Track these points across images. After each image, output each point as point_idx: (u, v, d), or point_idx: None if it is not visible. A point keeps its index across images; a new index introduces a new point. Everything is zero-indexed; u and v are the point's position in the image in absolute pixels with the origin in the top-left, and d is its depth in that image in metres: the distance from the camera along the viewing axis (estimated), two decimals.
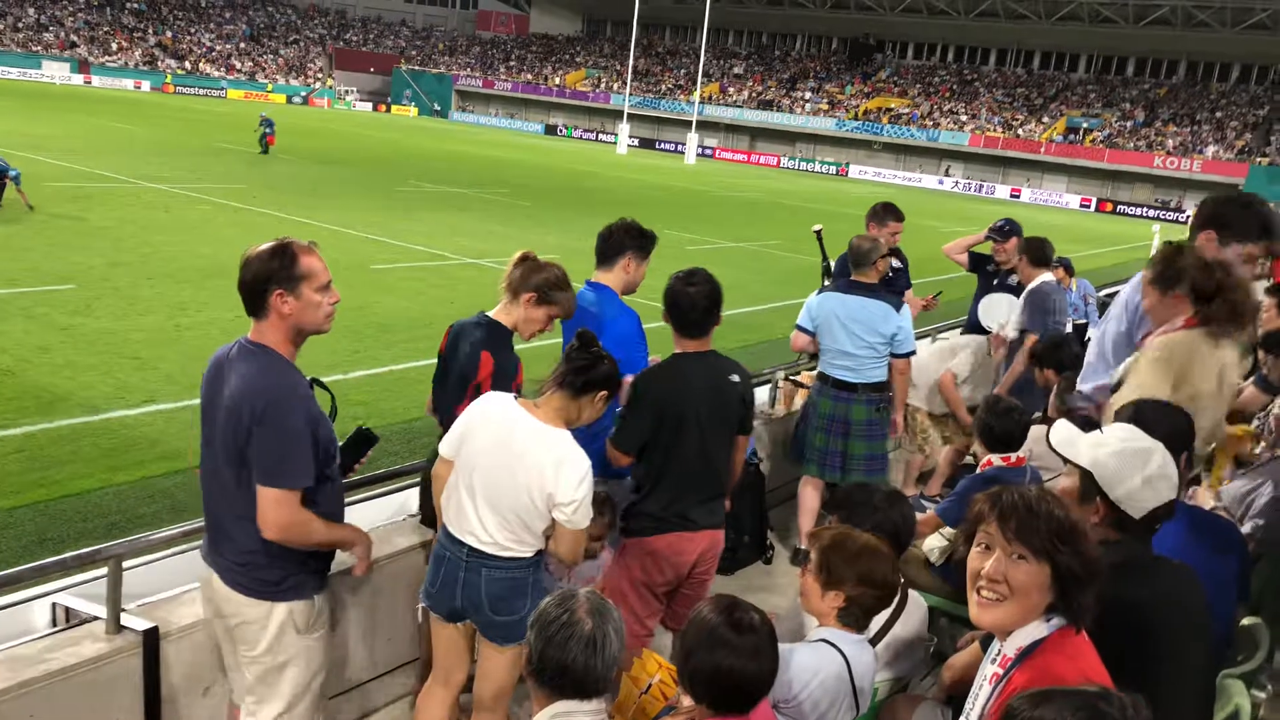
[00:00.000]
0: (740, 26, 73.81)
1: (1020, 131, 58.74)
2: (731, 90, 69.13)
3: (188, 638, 3.18)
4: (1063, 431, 2.54)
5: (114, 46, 66.16)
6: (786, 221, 27.71)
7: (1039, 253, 6.37)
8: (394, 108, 74.10)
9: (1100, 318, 4.86)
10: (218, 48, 71.88)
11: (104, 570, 3.11)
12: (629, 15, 57.39)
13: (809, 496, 5.72)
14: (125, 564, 3.14)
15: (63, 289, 11.82)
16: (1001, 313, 6.47)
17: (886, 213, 6.50)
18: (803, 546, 4.75)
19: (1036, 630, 2.04)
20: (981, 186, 56.98)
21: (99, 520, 6.38)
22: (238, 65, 71.16)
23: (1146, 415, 2.79)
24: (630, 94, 59.28)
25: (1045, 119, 59.46)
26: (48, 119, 35.49)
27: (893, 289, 5.91)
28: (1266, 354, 4.75)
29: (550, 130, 70.22)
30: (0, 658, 2.88)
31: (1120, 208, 52.79)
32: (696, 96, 58.04)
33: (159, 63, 67.01)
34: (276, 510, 2.79)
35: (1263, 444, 4.24)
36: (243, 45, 73.57)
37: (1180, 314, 3.53)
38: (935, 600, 3.88)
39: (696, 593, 3.98)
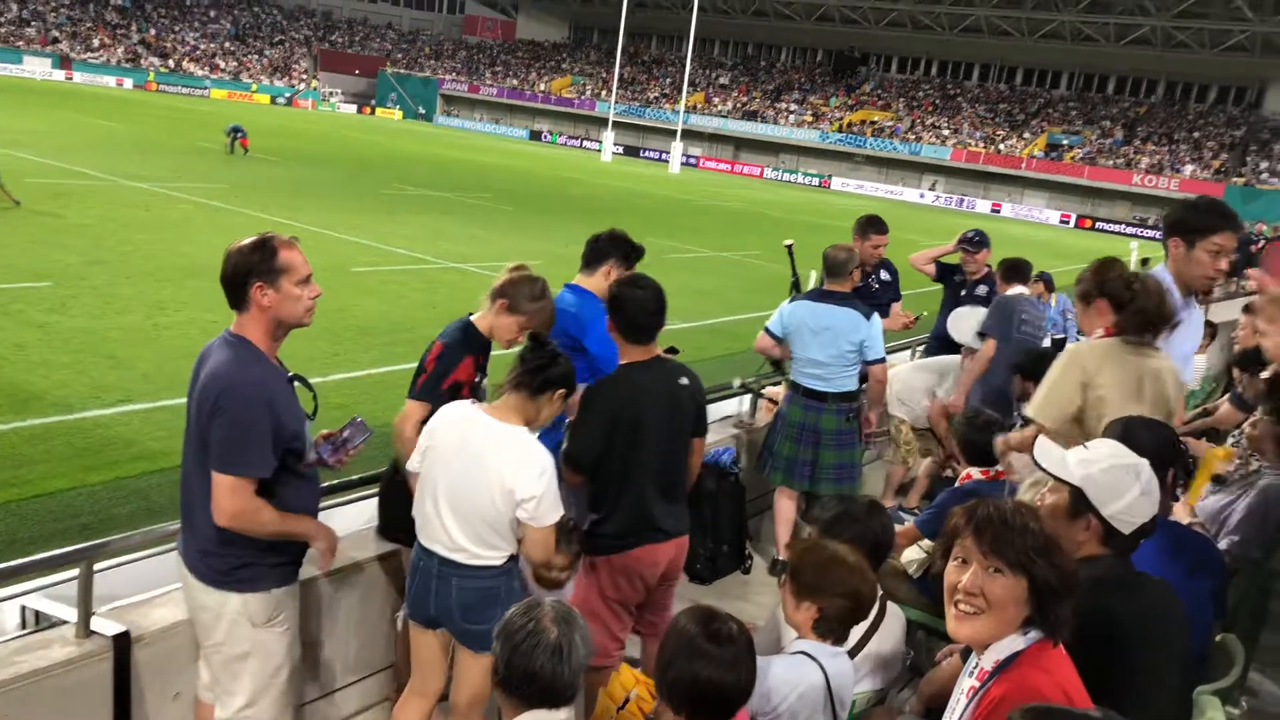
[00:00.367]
0: (726, 37, 74.07)
1: (1002, 147, 59.20)
2: (716, 100, 69.34)
3: (159, 642, 3.14)
4: (1048, 448, 2.54)
5: (96, 43, 65.68)
6: (769, 232, 27.77)
7: (1014, 273, 6.46)
8: (379, 110, 73.89)
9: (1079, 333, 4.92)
10: (202, 46, 71.48)
11: (75, 572, 3.07)
12: (615, 23, 57.48)
13: (784, 506, 5.73)
14: (97, 566, 3.10)
15: (39, 286, 11.69)
16: (969, 326, 6.52)
17: (869, 226, 6.54)
18: (780, 557, 4.75)
19: (1013, 643, 2.05)
20: (963, 201, 57.36)
21: (71, 521, 6.30)
22: (222, 65, 70.79)
23: (1134, 431, 2.80)
24: (616, 102, 59.36)
25: (1026, 135, 59.94)
26: (27, 114, 35.17)
27: (878, 301, 5.94)
28: (1241, 372, 4.80)
29: (535, 136, 70.20)
30: None
31: (1099, 224, 53.25)
32: (681, 105, 58.18)
33: (142, 60, 66.58)
34: (229, 497, 2.83)
35: (1237, 461, 4.28)
36: (227, 45, 73.19)
37: (1103, 324, 3.76)
38: (914, 613, 3.89)
39: (665, 598, 3.97)
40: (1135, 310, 3.60)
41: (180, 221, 17.46)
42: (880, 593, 3.07)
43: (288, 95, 70.53)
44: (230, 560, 2.94)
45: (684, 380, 3.80)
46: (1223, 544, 3.47)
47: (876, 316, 5.48)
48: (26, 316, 10.46)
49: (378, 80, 75.46)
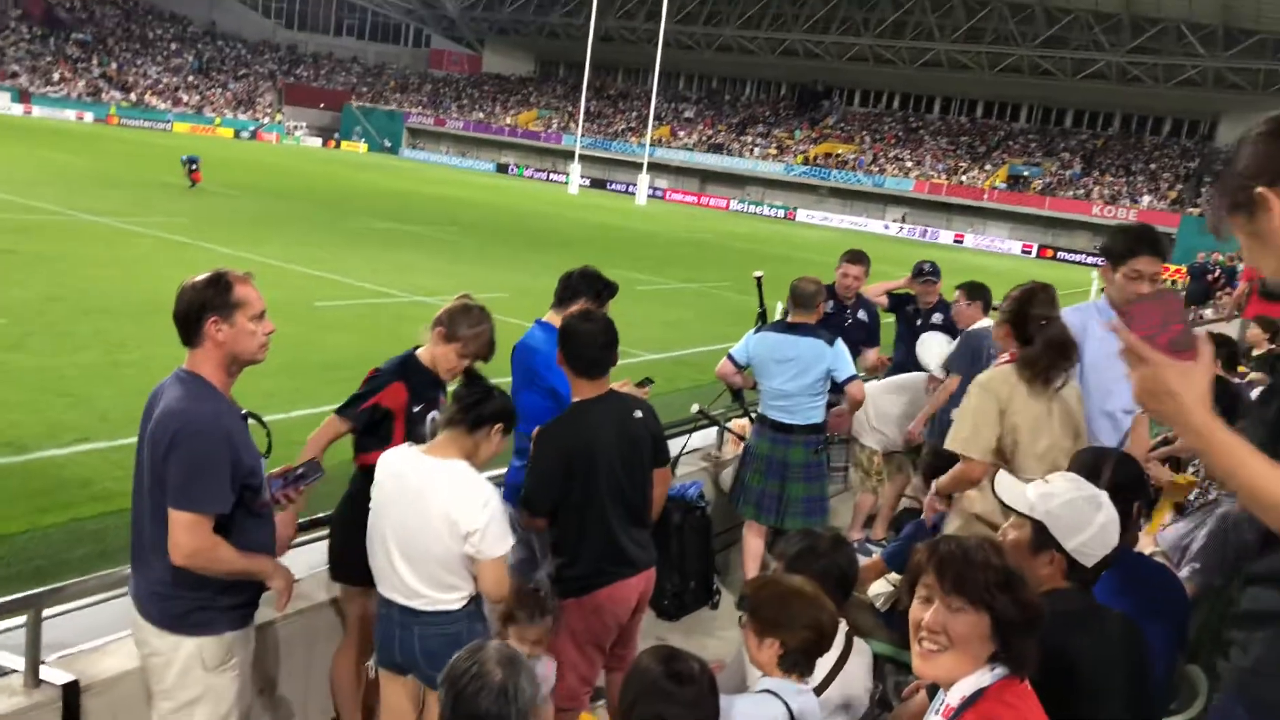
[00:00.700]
0: (691, 71, 74.79)
1: (964, 178, 60.08)
2: (682, 133, 69.91)
3: (109, 691, 3.05)
4: (1007, 483, 2.55)
5: (57, 76, 65.11)
6: (735, 264, 27.92)
7: (977, 293, 6.51)
8: (344, 144, 73.75)
9: None
10: (165, 80, 71.07)
11: (22, 620, 2.98)
12: (581, 57, 57.87)
13: (752, 542, 5.71)
14: (45, 613, 3.02)
15: None
16: (936, 355, 6.56)
17: (850, 256, 6.65)
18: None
19: (979, 679, 2.04)
20: (926, 232, 58.03)
21: (24, 565, 6.15)
22: (185, 98, 70.40)
23: (1102, 465, 2.82)
24: (582, 135, 59.66)
25: (988, 166, 60.89)
26: None
27: (850, 339, 5.95)
28: None
29: (502, 169, 70.32)
30: None
31: (1060, 254, 54.04)
32: (648, 139, 58.58)
33: (104, 94, 66.07)
34: (186, 534, 2.78)
35: (1197, 490, 4.32)
36: (190, 78, 72.85)
37: (1010, 349, 3.92)
38: (881, 647, 3.86)
39: (632, 630, 3.93)
40: (1033, 358, 3.72)
41: (141, 256, 17.27)
42: (847, 628, 3.05)
43: (252, 129, 70.24)
44: (184, 603, 2.89)
45: (638, 413, 3.76)
46: (1184, 572, 3.49)
47: (840, 342, 5.49)
48: None
49: (343, 114, 75.39)
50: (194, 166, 29.62)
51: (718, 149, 67.22)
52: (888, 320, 7.60)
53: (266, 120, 72.76)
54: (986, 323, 6.48)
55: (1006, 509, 2.50)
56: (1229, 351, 5.36)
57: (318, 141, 73.08)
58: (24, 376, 9.81)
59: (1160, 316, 1.72)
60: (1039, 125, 64.91)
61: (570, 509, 3.63)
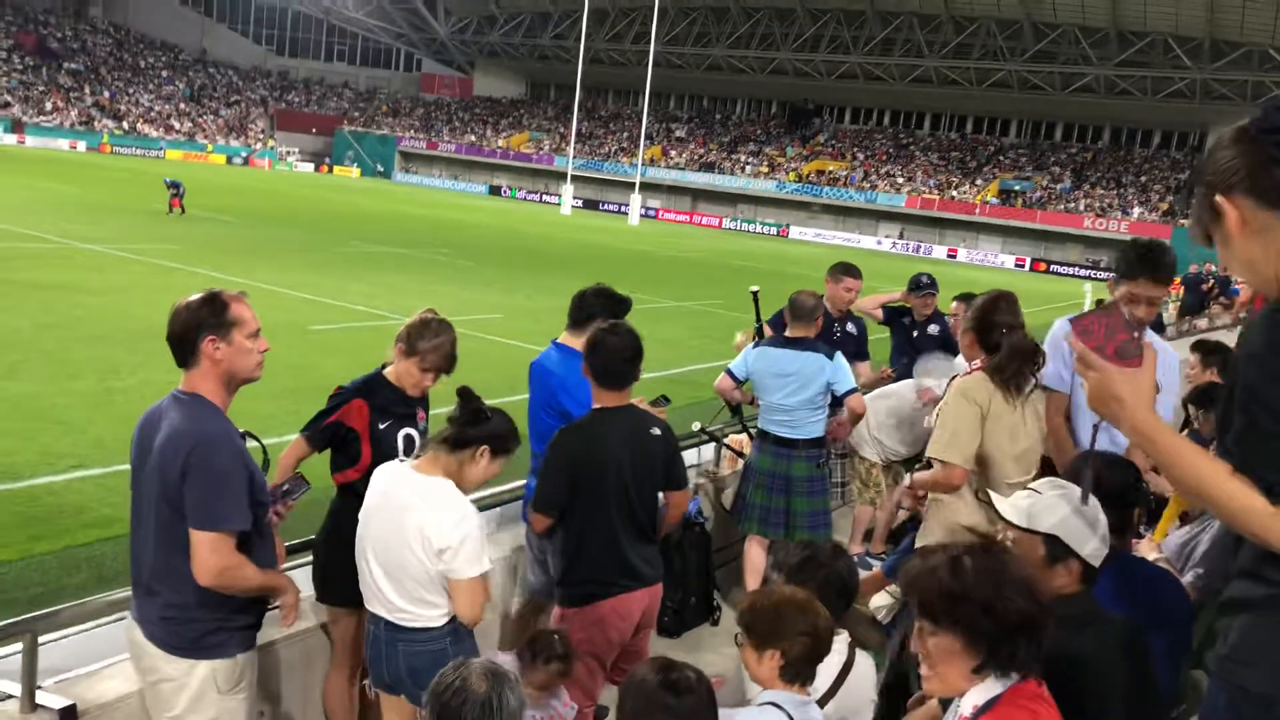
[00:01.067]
0: (681, 91, 75.17)
1: (955, 193, 60.35)
2: (674, 153, 70.20)
3: (106, 716, 3.02)
4: (1006, 504, 2.54)
5: (49, 106, 65.27)
6: (729, 281, 27.97)
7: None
8: (336, 168, 73.95)
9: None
10: (156, 108, 71.28)
11: (18, 646, 2.96)
12: (572, 79, 58.18)
13: (755, 556, 5.68)
14: (42, 639, 3.00)
15: None
16: (938, 374, 6.56)
17: (843, 270, 6.71)
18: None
19: (990, 688, 2.01)
20: (919, 247, 58.24)
21: (19, 592, 6.11)
22: (177, 125, 70.58)
23: (1099, 470, 2.80)
24: (574, 156, 59.88)
25: (979, 181, 61.20)
26: None
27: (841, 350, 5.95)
28: (1197, 409, 4.85)
29: (494, 191, 70.53)
30: None
31: (1053, 267, 54.28)
32: (639, 159, 58.81)
33: (96, 123, 66.23)
34: (212, 554, 2.75)
35: None
36: (182, 105, 73.07)
37: (977, 358, 4.01)
38: (884, 659, 3.84)
39: (641, 646, 3.91)
40: (1001, 365, 3.83)
41: (134, 283, 17.27)
42: (850, 639, 3.04)
43: (244, 155, 70.40)
44: (200, 626, 2.86)
45: (655, 430, 3.79)
46: (1188, 578, 3.47)
47: (840, 355, 5.49)
48: None
49: (335, 139, 75.65)
50: (176, 192, 29.35)
51: (709, 168, 67.50)
52: (882, 334, 7.63)
53: (259, 146, 72.95)
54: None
55: (1010, 526, 2.48)
56: (1222, 359, 5.37)
57: (310, 167, 73.27)
58: (18, 404, 9.78)
59: (1105, 329, 1.95)
60: (1029, 139, 65.32)
61: (575, 514, 3.65)
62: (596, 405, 3.75)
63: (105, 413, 9.73)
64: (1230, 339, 13.92)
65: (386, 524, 3.10)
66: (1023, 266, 55.01)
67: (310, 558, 3.86)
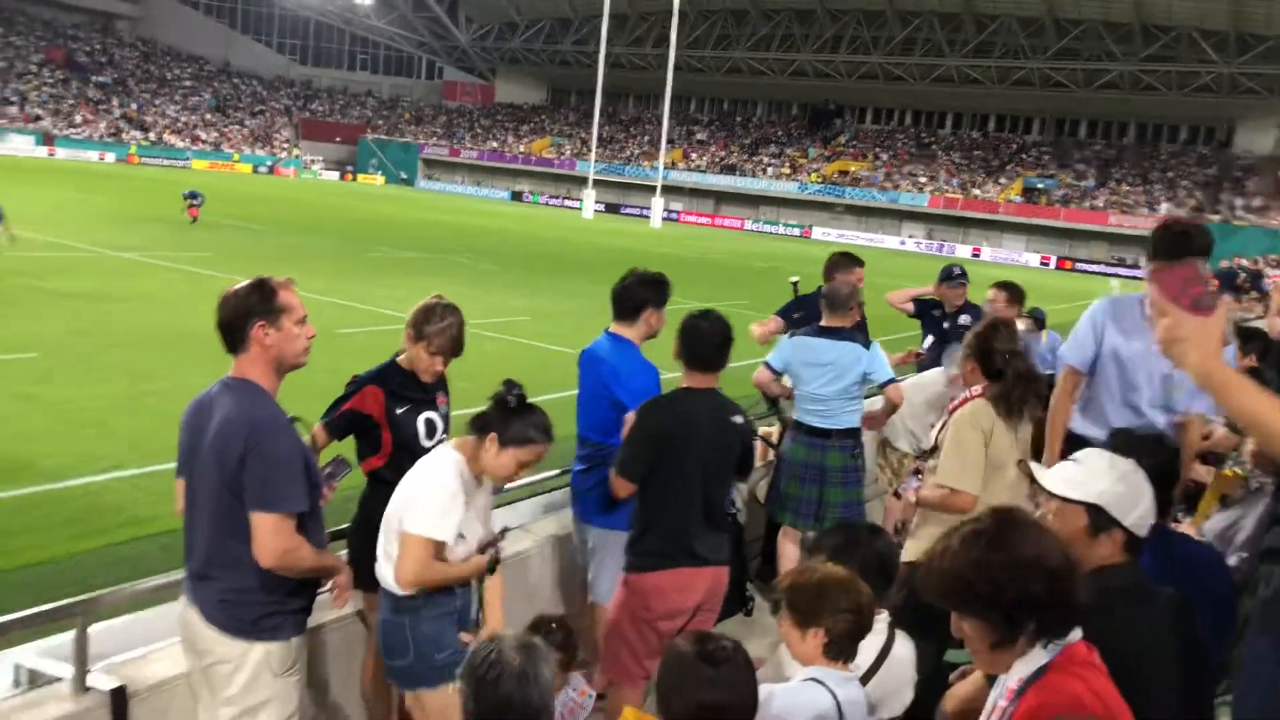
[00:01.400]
0: (702, 94, 75.17)
1: (978, 192, 59.98)
2: (695, 155, 70.18)
3: (156, 697, 3.07)
4: (1046, 474, 2.53)
5: (79, 119, 66.07)
6: (752, 282, 27.95)
7: (1016, 295, 6.61)
8: (360, 176, 74.41)
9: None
10: (183, 118, 71.99)
11: (70, 635, 3.01)
12: (593, 84, 58.31)
13: (789, 548, 5.66)
14: (91, 627, 3.05)
15: (22, 357, 11.62)
16: None
17: (849, 260, 6.53)
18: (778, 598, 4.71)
19: (1035, 659, 2.01)
20: (943, 246, 57.92)
21: (61, 591, 6.18)
22: (203, 135, 71.26)
23: (1133, 451, 2.80)
24: (595, 160, 60.02)
25: (1002, 180, 60.81)
26: (9, 190, 35.22)
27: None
28: None
29: (517, 197, 70.76)
30: None
31: (1079, 265, 53.81)
32: (660, 162, 58.85)
33: (124, 134, 66.98)
34: (273, 536, 2.79)
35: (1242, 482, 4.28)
36: (208, 116, 73.77)
37: (978, 383, 4.09)
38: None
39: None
40: (1005, 393, 3.96)
41: (163, 289, 17.46)
42: (890, 619, 3.04)
43: (269, 164, 71.00)
44: (258, 608, 2.90)
45: (737, 418, 3.90)
46: (1232, 560, 3.45)
47: (877, 345, 5.48)
48: (10, 388, 10.38)
49: (359, 147, 76.11)
50: (194, 202, 29.46)
51: (731, 170, 67.44)
52: (913, 328, 7.58)
53: (284, 155, 73.54)
54: (1021, 324, 6.51)
55: (1052, 497, 2.47)
56: (1262, 345, 5.37)
57: (334, 175, 73.78)
58: (54, 408, 9.92)
59: (1181, 281, 2.04)
60: (1052, 137, 64.85)
61: (653, 484, 3.76)
62: (685, 384, 3.87)
63: (139, 415, 9.85)
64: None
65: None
66: (1047, 265, 54.60)
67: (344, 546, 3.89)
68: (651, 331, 4.38)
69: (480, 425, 3.16)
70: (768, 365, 5.59)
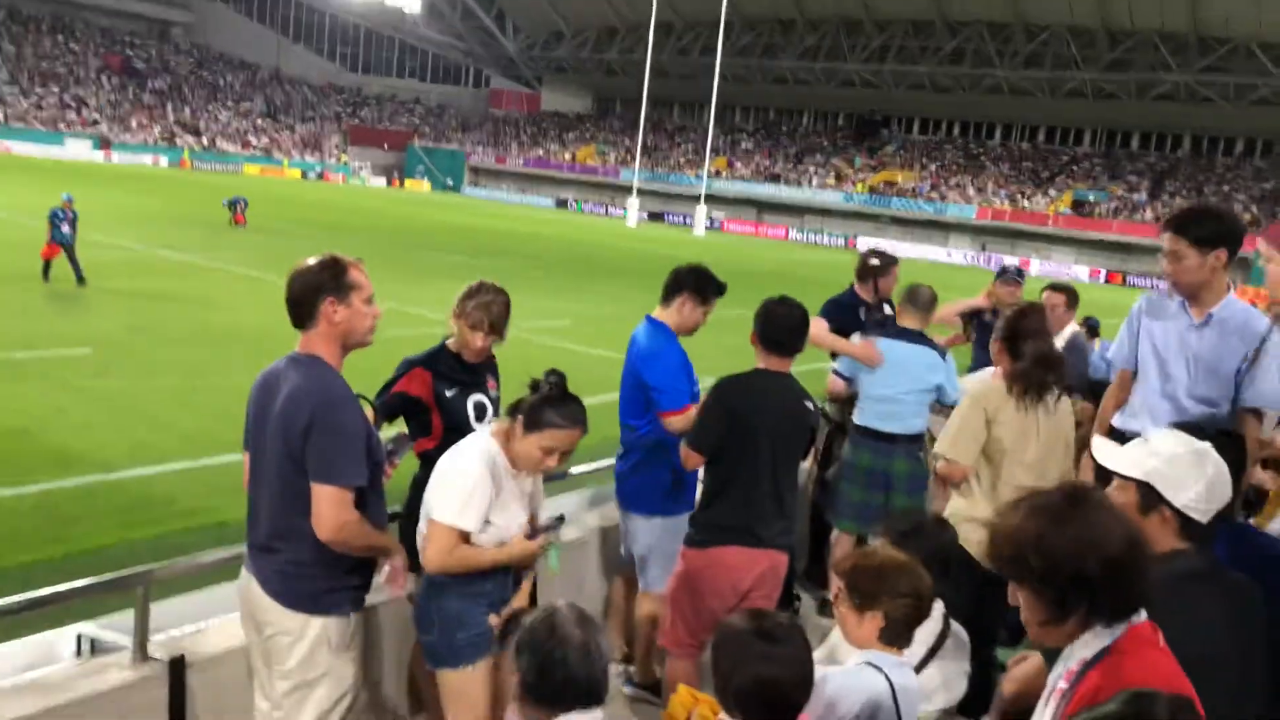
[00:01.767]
0: (747, 103, 75.09)
1: (1027, 204, 59.25)
2: (739, 164, 70.10)
3: (214, 668, 3.12)
4: (1105, 448, 2.50)
5: (134, 124, 67.51)
6: (796, 290, 27.65)
7: (1074, 298, 6.57)
8: (408, 182, 75.20)
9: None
10: (235, 124, 73.28)
11: (129, 612, 3.07)
12: (638, 93, 58.43)
13: (841, 551, 5.61)
14: (151, 605, 3.10)
15: (80, 352, 11.89)
16: None
17: (888, 258, 6.40)
18: (829, 597, 4.67)
19: (1098, 639, 1.97)
20: (990, 259, 57.27)
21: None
22: (254, 141, 72.46)
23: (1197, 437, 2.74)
24: (640, 169, 60.07)
25: (1051, 192, 60.05)
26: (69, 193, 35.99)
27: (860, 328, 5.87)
28: None
29: (561, 204, 71.08)
30: (26, 684, 2.82)
31: (1130, 279, 52.94)
32: (705, 171, 58.80)
33: (177, 139, 68.30)
34: (333, 509, 2.82)
35: None
36: (259, 122, 75.02)
37: (1002, 364, 4.17)
38: None
39: None
40: (1022, 373, 4.04)
41: (217, 290, 17.77)
42: (944, 609, 3.01)
43: (319, 170, 71.99)
44: (318, 582, 2.93)
45: (809, 403, 3.93)
46: None
47: (951, 358, 5.41)
48: (68, 382, 10.62)
49: (406, 153, 76.93)
50: (239, 208, 30.06)
51: (775, 179, 67.25)
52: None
53: (333, 161, 74.55)
54: (1076, 327, 6.47)
55: (1110, 474, 2.43)
56: None
57: (382, 181, 74.63)
58: (110, 400, 10.13)
59: None
60: (1103, 149, 63.94)
61: (723, 460, 3.79)
62: (760, 365, 3.92)
63: (192, 410, 10.02)
64: None
65: None
66: (1097, 278, 53.78)
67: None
68: (684, 322, 4.38)
69: (511, 410, 3.17)
70: (836, 374, 5.55)
